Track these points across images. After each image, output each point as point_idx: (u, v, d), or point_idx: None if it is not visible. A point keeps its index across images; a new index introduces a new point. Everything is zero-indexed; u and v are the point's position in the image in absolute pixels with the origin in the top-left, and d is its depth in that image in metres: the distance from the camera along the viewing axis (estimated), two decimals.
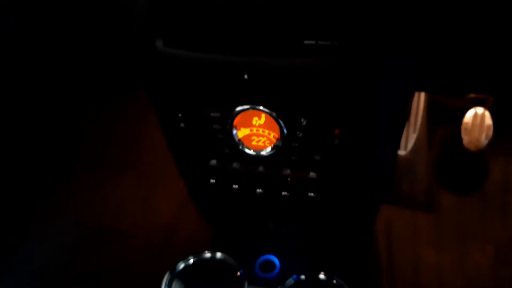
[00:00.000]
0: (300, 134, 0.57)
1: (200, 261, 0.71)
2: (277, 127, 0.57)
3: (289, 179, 0.62)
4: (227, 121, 0.58)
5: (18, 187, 1.10)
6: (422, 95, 1.27)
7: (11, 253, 1.06)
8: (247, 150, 0.60)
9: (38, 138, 1.25)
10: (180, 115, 0.59)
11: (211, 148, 0.63)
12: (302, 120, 0.56)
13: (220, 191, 0.67)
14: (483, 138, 1.14)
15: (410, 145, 1.22)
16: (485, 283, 1.02)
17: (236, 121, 0.58)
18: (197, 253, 0.72)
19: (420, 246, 1.09)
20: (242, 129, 0.59)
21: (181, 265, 0.71)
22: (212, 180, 0.66)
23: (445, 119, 1.26)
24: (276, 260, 0.72)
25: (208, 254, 0.72)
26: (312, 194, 0.63)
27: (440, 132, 1.27)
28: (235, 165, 0.64)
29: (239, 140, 0.60)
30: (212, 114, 0.58)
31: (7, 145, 1.16)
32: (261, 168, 0.63)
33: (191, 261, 0.71)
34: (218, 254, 0.68)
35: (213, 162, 0.65)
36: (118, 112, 1.28)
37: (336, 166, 0.59)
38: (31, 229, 1.09)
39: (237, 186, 0.65)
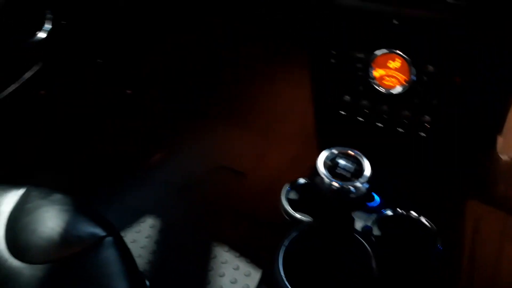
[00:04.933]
0: (426, 79, 0.73)
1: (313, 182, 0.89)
2: (408, 71, 0.74)
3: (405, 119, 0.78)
4: (368, 61, 0.77)
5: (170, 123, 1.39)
6: None
7: (156, 167, 1.34)
8: (379, 88, 0.78)
9: (189, 90, 1.55)
10: (333, 52, 0.79)
11: (348, 85, 0.82)
12: (431, 67, 0.72)
13: (347, 121, 0.85)
14: None
15: None
16: None
17: (374, 62, 0.76)
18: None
19: (505, 244, 1.14)
20: (378, 70, 0.77)
21: (301, 180, 0.88)
22: (342, 112, 0.85)
23: None
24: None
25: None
26: (423, 134, 0.78)
27: None
28: (364, 101, 0.81)
29: (375, 78, 0.78)
30: (357, 55, 0.77)
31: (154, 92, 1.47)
32: (384, 107, 0.80)
33: (305, 180, 0.88)
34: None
35: (347, 97, 0.83)
36: (256, 73, 1.53)
37: (451, 111, 0.74)
38: (178, 149, 1.37)
39: (362, 119, 0.83)
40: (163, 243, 1.11)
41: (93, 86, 1.34)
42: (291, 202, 0.81)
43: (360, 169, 0.62)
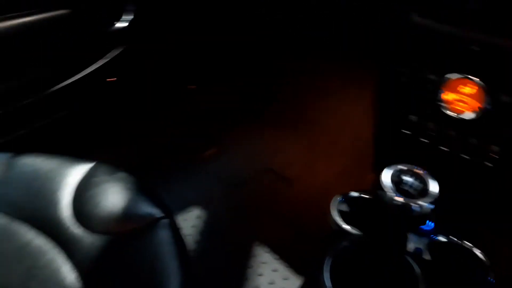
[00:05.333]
0: (500, 109, 0.70)
1: (366, 198, 0.88)
2: (481, 98, 0.72)
3: (473, 146, 0.76)
4: (439, 83, 0.75)
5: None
6: None
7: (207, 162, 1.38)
8: (448, 112, 0.76)
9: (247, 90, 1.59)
10: (404, 70, 0.78)
11: (415, 105, 0.80)
12: (507, 96, 0.69)
13: (409, 141, 0.84)
14: None
15: None
16: None
17: (445, 85, 0.75)
18: (365, 191, 0.89)
19: None
20: (449, 93, 0.75)
21: (353, 193, 0.88)
22: (406, 132, 0.83)
23: None
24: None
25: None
26: (489, 164, 0.75)
27: None
28: (430, 123, 0.80)
29: (444, 102, 0.76)
30: (429, 76, 0.76)
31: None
32: (451, 132, 0.78)
33: (357, 194, 0.88)
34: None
35: (412, 117, 0.82)
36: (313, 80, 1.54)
37: None
38: (231, 147, 1.41)
39: (426, 140, 0.81)
40: (207, 234, 1.14)
41: (161, 77, 1.41)
42: (341, 213, 0.81)
43: (425, 189, 0.61)
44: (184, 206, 1.22)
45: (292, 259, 1.05)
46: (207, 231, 1.15)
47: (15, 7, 0.91)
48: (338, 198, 0.85)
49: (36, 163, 0.76)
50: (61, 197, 0.71)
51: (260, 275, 1.03)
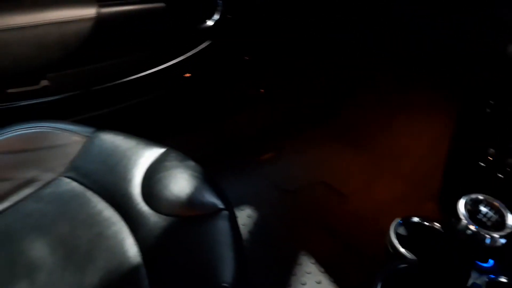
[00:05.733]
0: None
1: (427, 225, 0.85)
2: None
3: None
4: None
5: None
6: None
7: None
8: None
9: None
10: (491, 102, 0.75)
11: (498, 138, 0.77)
12: None
13: (483, 174, 0.80)
14: None
15: None
16: None
17: None
18: (426, 217, 0.86)
19: None
20: None
21: (414, 218, 0.86)
22: (481, 164, 0.80)
23: None
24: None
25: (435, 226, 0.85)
26: None
27: None
28: (510, 160, 0.76)
29: None
30: None
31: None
32: None
33: (419, 219, 0.86)
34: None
35: (492, 150, 0.78)
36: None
37: None
38: (289, 154, 1.42)
39: (501, 175, 0.77)
40: (256, 234, 1.16)
41: (237, 80, 1.46)
42: (398, 236, 0.79)
43: (501, 221, 0.58)
44: (236, 203, 1.24)
45: (338, 274, 1.04)
46: (256, 231, 1.16)
47: None
48: (398, 220, 0.83)
49: (114, 140, 0.81)
50: (133, 175, 0.75)
51: (304, 284, 1.03)
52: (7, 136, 0.79)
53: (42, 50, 0.92)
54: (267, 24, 1.43)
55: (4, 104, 0.98)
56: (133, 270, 0.62)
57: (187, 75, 1.28)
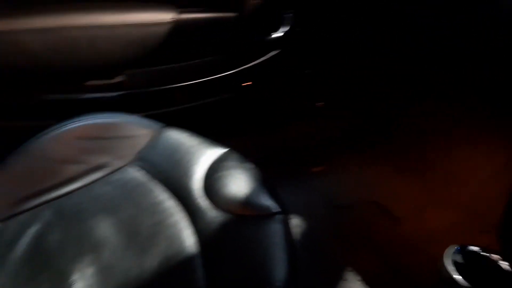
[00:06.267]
0: None
1: (484, 256, 0.82)
2: None
3: None
4: None
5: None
6: None
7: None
8: None
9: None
10: None
11: None
12: None
13: None
14: None
15: None
16: None
17: None
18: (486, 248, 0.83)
19: None
20: None
21: (473, 247, 0.83)
22: None
23: None
24: None
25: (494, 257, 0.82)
26: None
27: None
28: None
29: None
30: None
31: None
32: None
33: (477, 249, 0.82)
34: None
35: None
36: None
37: None
38: (341, 168, 1.42)
39: None
40: (303, 244, 1.16)
41: (297, 91, 1.49)
42: (454, 263, 0.76)
43: None
44: None
45: None
46: (303, 241, 1.17)
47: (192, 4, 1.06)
48: (455, 247, 0.80)
49: (180, 137, 0.86)
50: (195, 171, 0.79)
51: None
52: (85, 123, 0.86)
53: (122, 48, 0.99)
54: (333, 39, 1.44)
55: (85, 94, 1.07)
56: (190, 259, 0.65)
57: (248, 83, 1.33)
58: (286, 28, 1.19)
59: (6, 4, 0.93)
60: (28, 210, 0.74)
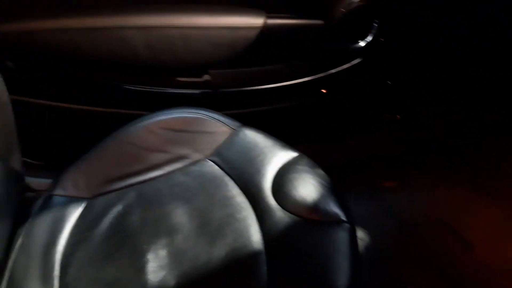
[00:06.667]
0: None
1: None
2: None
3: None
4: None
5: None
6: None
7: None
8: None
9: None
10: None
11: None
12: None
13: None
14: None
15: None
16: None
17: None
18: None
19: None
20: None
21: None
22: None
23: None
24: None
25: None
26: None
27: None
28: None
29: None
30: None
31: None
32: None
33: None
34: None
35: None
36: None
37: None
38: (414, 187, 1.38)
39: None
40: (366, 257, 1.14)
41: (376, 101, 1.46)
42: None
43: None
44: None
45: None
46: (367, 254, 1.15)
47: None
48: None
49: (256, 137, 0.90)
50: (267, 170, 0.82)
51: None
52: (172, 116, 0.93)
53: (213, 48, 1.05)
54: (417, 50, 1.39)
55: (175, 89, 1.15)
56: (255, 254, 0.69)
57: (323, 91, 1.33)
58: (369, 38, 1.19)
59: (115, 1, 1.04)
60: (114, 191, 0.82)
